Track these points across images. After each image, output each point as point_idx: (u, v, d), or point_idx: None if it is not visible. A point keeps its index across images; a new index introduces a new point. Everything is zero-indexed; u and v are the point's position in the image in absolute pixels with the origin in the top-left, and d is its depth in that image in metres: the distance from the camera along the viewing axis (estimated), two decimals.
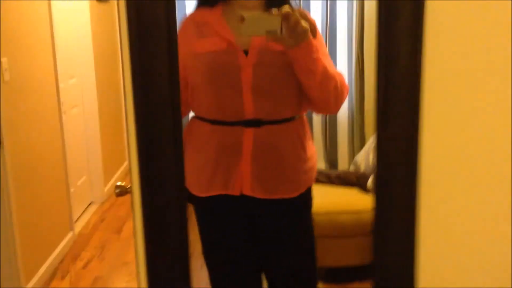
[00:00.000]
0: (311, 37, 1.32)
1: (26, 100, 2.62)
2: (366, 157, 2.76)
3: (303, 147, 1.51)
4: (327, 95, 1.42)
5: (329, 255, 2.41)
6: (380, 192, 1.00)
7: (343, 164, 3.08)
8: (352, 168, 2.88)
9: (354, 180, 2.60)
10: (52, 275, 2.85)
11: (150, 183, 0.87)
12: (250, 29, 1.26)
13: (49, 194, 2.92)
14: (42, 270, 2.75)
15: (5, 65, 2.34)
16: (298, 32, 1.28)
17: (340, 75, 1.46)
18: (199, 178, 1.50)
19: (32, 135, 2.68)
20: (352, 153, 3.08)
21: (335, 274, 2.56)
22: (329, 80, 1.40)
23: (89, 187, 3.88)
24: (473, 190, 1.04)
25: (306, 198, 1.57)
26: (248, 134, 1.44)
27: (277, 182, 1.49)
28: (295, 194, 1.51)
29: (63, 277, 2.84)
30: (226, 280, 1.61)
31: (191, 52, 1.44)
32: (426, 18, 0.93)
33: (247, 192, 1.47)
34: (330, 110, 1.54)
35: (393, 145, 0.95)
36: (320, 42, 1.44)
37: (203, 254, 1.61)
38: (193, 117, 1.54)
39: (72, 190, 3.32)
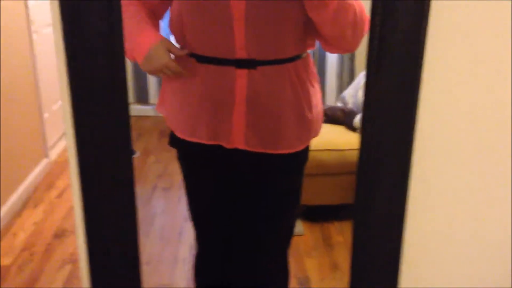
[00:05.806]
0: None
1: None
2: (354, 93, 2.62)
3: (306, 94, 1.30)
4: (341, 30, 1.17)
5: (309, 193, 2.33)
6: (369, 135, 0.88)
7: (330, 99, 2.95)
8: (339, 104, 2.75)
9: (341, 117, 2.48)
10: (25, 203, 2.76)
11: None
12: None
13: (20, 118, 2.77)
14: (13, 197, 2.65)
15: None
16: None
17: (359, 3, 1.19)
18: (183, 120, 1.33)
19: None
20: (340, 88, 2.95)
21: (315, 212, 2.51)
22: (345, 13, 1.14)
23: None
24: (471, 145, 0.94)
25: (306, 152, 1.39)
26: (241, 78, 1.23)
27: (276, 135, 1.30)
28: (296, 148, 1.33)
29: (36, 206, 2.76)
30: (208, 230, 1.49)
31: None
32: None
33: (240, 145, 1.30)
34: (345, 48, 1.27)
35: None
36: None
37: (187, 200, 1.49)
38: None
39: (46, 115, 3.17)
